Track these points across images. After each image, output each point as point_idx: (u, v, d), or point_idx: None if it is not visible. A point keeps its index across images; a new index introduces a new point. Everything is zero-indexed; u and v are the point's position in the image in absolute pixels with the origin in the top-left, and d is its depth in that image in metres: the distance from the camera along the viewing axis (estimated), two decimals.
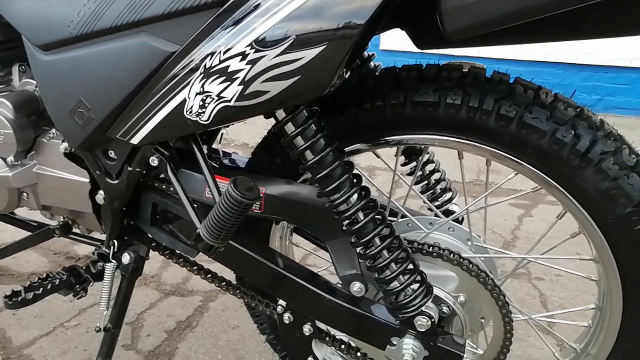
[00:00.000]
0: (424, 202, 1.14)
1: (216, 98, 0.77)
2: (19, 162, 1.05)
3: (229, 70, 0.75)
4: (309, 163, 0.85)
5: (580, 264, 1.00)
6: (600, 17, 0.76)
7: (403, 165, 1.20)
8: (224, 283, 1.09)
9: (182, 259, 1.10)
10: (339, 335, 1.04)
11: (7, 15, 0.92)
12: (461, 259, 0.94)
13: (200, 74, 0.77)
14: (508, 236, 2.16)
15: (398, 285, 0.89)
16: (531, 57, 3.84)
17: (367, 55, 1.09)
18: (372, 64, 1.09)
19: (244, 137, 3.11)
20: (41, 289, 1.06)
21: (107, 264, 1.10)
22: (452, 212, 1.16)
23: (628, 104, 3.88)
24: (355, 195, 0.86)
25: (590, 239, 0.88)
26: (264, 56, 0.72)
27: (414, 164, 1.19)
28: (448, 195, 1.20)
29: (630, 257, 0.83)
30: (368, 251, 0.88)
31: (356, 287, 0.94)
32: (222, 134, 1.21)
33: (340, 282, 0.97)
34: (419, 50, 1.03)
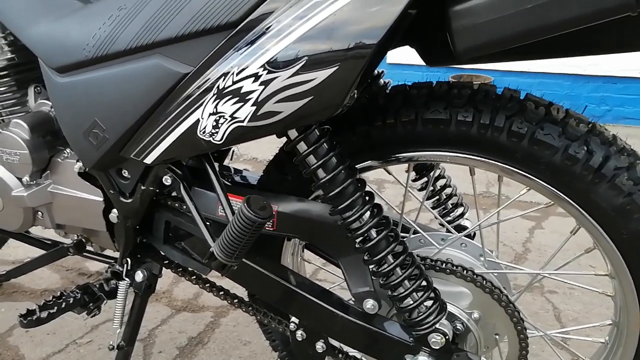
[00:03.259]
0: (436, 218, 1.14)
1: (229, 118, 0.78)
2: (34, 181, 1.07)
3: (242, 91, 0.76)
4: (321, 181, 0.85)
5: (595, 277, 0.99)
6: (611, 33, 0.76)
7: (414, 180, 1.20)
8: (236, 300, 1.09)
9: (194, 276, 1.10)
10: (352, 352, 1.03)
11: (24, 39, 0.94)
12: (474, 275, 0.93)
13: (214, 94, 0.78)
14: (519, 249, 2.15)
15: (411, 302, 0.88)
16: (539, 69, 3.83)
17: (377, 72, 1.10)
18: (382, 81, 1.10)
19: (252, 152, 3.12)
20: (55, 307, 1.07)
21: (120, 282, 1.10)
22: (464, 228, 1.16)
23: (638, 114, 3.86)
24: (368, 213, 0.86)
25: (605, 254, 0.87)
26: (276, 77, 0.73)
27: (425, 179, 1.19)
28: (460, 210, 1.19)
29: None
30: (381, 268, 0.88)
31: (369, 304, 0.94)
32: (233, 151, 1.22)
33: (353, 299, 0.96)
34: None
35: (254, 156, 3.11)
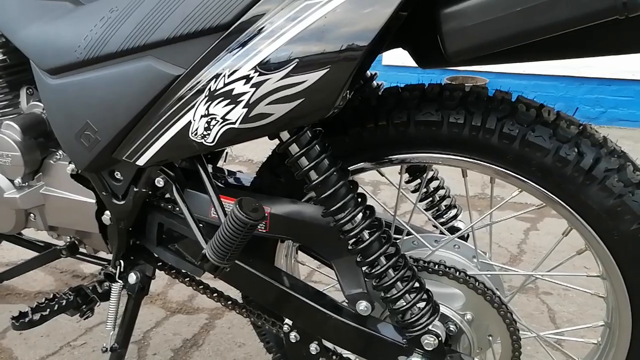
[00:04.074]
0: (429, 220, 1.14)
1: (221, 120, 0.78)
2: (27, 183, 1.06)
3: (233, 93, 0.76)
4: (314, 183, 0.85)
5: (590, 279, 1.00)
6: (605, 35, 0.77)
7: (407, 182, 1.20)
8: (230, 302, 1.09)
9: (188, 278, 1.10)
10: (346, 354, 1.03)
11: (16, 41, 0.94)
12: (467, 277, 0.94)
13: (205, 96, 0.78)
14: (514, 250, 2.15)
15: (404, 304, 0.88)
16: (534, 71, 3.85)
17: (369, 74, 1.10)
18: (374, 83, 1.10)
19: (248, 154, 3.12)
20: (48, 309, 1.06)
21: (113, 284, 1.10)
22: (458, 229, 1.16)
23: (632, 116, 3.87)
24: (360, 215, 0.86)
25: (597, 255, 0.87)
26: (268, 79, 0.73)
27: (419, 181, 1.19)
28: (453, 212, 1.19)
29: (638, 274, 0.83)
30: (374, 270, 0.88)
31: (362, 305, 0.94)
32: (226, 152, 1.22)
33: (346, 301, 0.96)
34: None
35: (250, 158, 3.11)
